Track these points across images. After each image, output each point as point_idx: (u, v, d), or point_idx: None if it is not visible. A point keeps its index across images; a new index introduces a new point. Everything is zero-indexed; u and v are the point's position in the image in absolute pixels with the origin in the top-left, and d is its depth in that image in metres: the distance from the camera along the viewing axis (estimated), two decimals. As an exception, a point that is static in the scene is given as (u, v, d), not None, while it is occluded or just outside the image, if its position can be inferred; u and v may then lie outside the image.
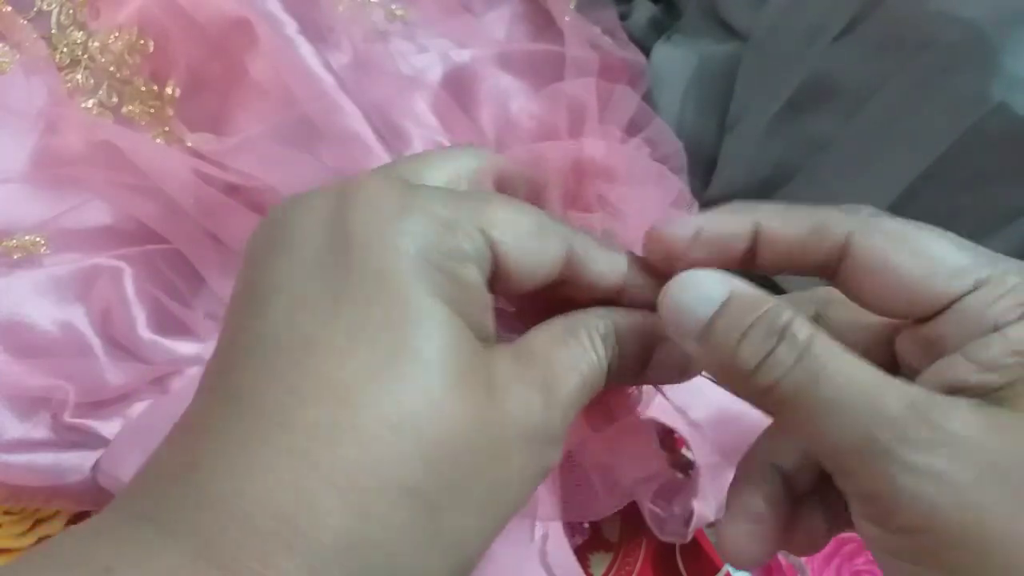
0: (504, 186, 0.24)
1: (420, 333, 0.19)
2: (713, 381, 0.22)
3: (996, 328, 0.20)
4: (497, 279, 0.21)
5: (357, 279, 0.19)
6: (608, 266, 0.23)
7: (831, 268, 0.22)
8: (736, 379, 0.21)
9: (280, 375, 0.18)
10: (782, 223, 0.22)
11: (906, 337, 0.22)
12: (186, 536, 0.17)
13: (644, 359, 0.24)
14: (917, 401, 0.19)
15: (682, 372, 0.24)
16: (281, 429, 0.18)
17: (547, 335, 0.22)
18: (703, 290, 0.21)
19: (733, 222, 0.22)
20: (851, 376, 0.20)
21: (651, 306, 0.23)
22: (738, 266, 0.23)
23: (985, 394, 0.20)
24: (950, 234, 0.22)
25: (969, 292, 0.20)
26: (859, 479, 0.20)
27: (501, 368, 0.20)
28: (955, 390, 0.20)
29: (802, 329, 0.20)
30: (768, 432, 0.25)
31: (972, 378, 0.20)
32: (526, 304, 0.25)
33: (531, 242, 0.21)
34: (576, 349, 0.22)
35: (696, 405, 0.39)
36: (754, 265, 0.23)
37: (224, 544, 0.17)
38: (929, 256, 0.21)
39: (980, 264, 0.21)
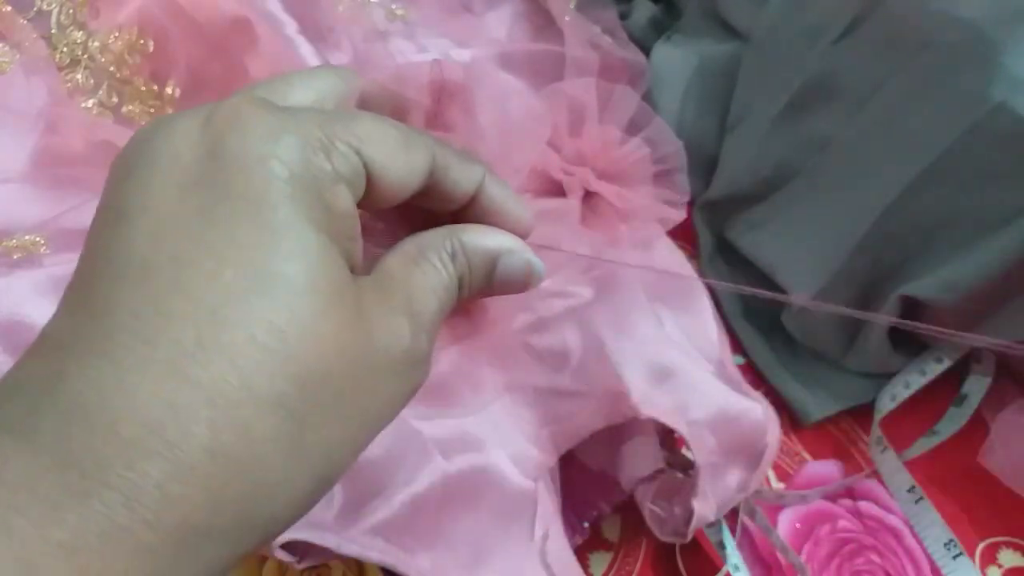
0: (368, 106, 0.26)
1: (289, 256, 0.19)
2: None
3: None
4: (368, 196, 0.22)
5: (228, 201, 0.19)
6: (465, 175, 0.25)
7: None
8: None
9: (148, 294, 0.19)
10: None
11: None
12: (47, 445, 0.17)
13: (490, 272, 0.25)
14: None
15: (525, 283, 0.26)
16: (149, 346, 0.18)
17: (402, 260, 0.23)
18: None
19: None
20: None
21: (503, 215, 0.25)
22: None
23: None
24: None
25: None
26: None
27: (368, 296, 0.21)
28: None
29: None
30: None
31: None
32: (389, 217, 0.26)
33: (400, 155, 0.22)
34: (430, 271, 0.23)
35: (696, 405, 0.39)
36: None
37: (87, 452, 0.17)
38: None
39: None
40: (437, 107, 0.26)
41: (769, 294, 0.30)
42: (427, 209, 0.25)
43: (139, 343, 0.18)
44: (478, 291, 0.25)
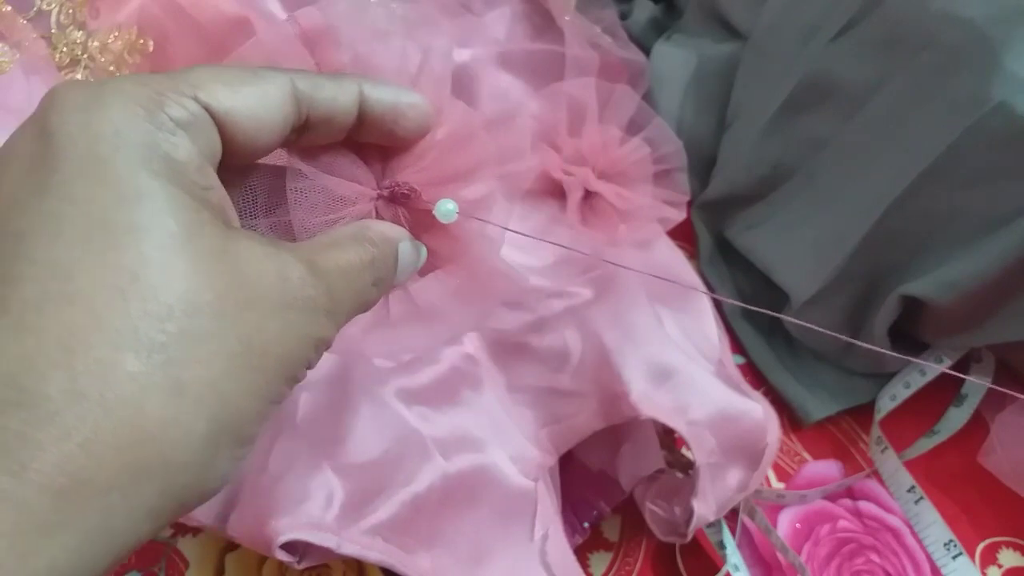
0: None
1: (127, 201, 0.19)
2: None
3: None
4: (231, 141, 0.22)
5: (60, 170, 0.19)
6: (339, 90, 0.24)
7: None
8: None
9: None
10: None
11: None
12: None
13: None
14: None
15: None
16: None
17: (324, 235, 0.24)
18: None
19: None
20: None
21: (399, 115, 0.25)
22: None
23: None
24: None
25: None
26: None
27: (243, 240, 0.21)
28: None
29: None
30: None
31: None
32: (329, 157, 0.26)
33: (246, 90, 0.22)
34: (349, 244, 0.24)
35: (696, 405, 0.39)
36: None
37: None
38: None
39: None
40: (319, 59, 0.26)
41: (763, 310, 0.30)
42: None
43: None
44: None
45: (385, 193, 0.26)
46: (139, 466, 0.18)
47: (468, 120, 0.27)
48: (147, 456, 0.18)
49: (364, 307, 0.25)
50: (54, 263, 0.18)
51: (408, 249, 0.26)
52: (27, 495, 0.17)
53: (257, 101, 0.22)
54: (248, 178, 0.26)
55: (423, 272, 0.28)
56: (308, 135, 0.25)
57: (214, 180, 0.22)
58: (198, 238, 0.20)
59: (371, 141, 0.26)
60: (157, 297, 0.19)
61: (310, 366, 0.23)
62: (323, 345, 0.23)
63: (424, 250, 0.27)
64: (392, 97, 0.25)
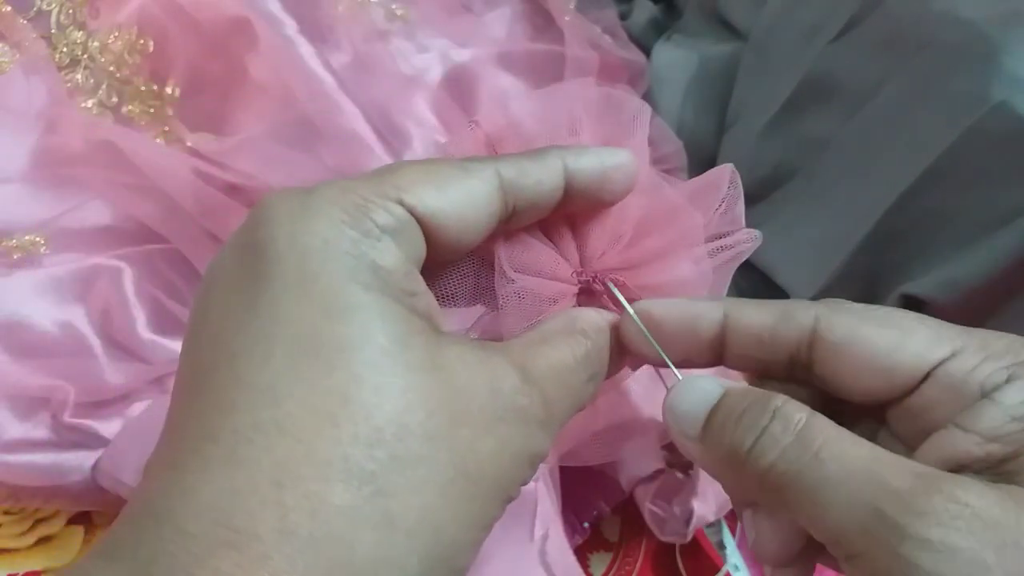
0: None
1: (337, 318, 0.18)
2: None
3: (984, 394, 0.20)
4: (434, 241, 0.21)
5: (268, 288, 0.19)
6: (544, 172, 0.23)
7: (802, 356, 0.22)
8: (736, 469, 0.20)
9: (205, 393, 0.18)
10: (751, 310, 0.22)
11: (895, 414, 0.22)
12: (125, 558, 0.17)
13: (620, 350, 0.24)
14: (924, 473, 0.18)
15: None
16: (209, 440, 0.18)
17: (532, 332, 0.22)
18: (698, 392, 0.22)
19: (702, 307, 0.23)
20: (849, 451, 0.19)
21: (605, 183, 0.23)
22: (707, 357, 0.23)
23: (990, 467, 0.19)
24: (912, 312, 0.22)
25: (947, 359, 0.20)
26: (867, 559, 0.18)
27: (453, 347, 0.20)
28: (959, 464, 0.19)
29: (796, 410, 0.20)
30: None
31: (975, 450, 0.19)
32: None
33: (453, 189, 0.21)
34: (560, 339, 0.22)
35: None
36: (723, 359, 0.23)
37: (160, 556, 0.17)
38: (896, 325, 0.21)
39: (952, 333, 0.21)
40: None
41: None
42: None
43: (200, 441, 0.18)
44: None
45: (589, 286, 0.24)
46: None
47: (668, 192, 0.25)
48: None
49: (579, 407, 0.22)
50: (265, 388, 0.18)
51: (624, 331, 0.24)
52: None
53: (464, 200, 0.21)
54: (448, 270, 0.24)
55: None
56: (513, 221, 0.23)
57: (420, 285, 0.21)
58: (409, 351, 0.19)
59: (572, 211, 0.24)
60: (368, 420, 0.18)
61: (524, 483, 0.20)
62: (538, 459, 0.21)
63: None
64: (597, 163, 0.23)
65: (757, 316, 0.22)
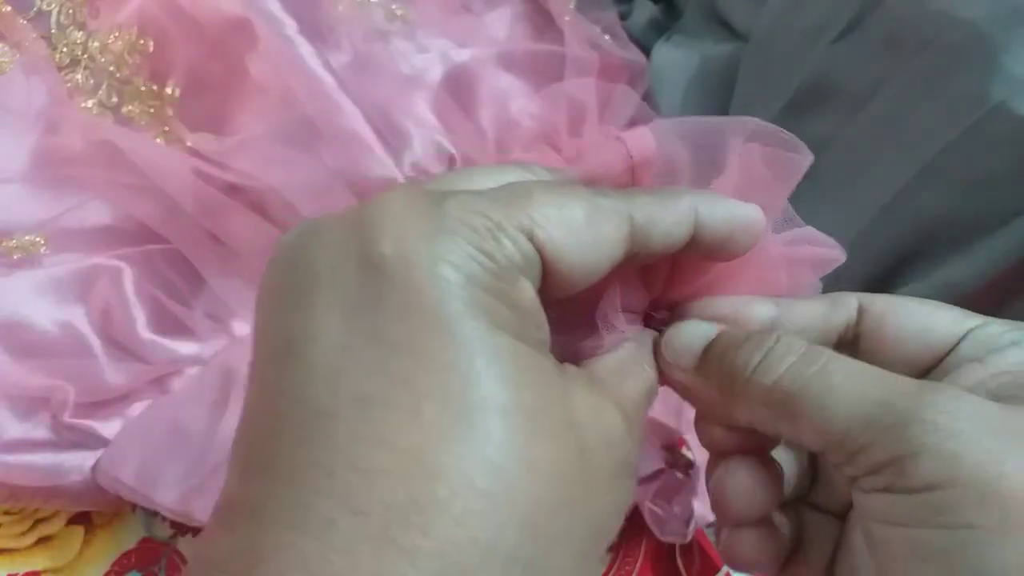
0: None
1: (488, 375, 0.16)
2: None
3: (1014, 343, 0.21)
4: (547, 283, 0.19)
5: (401, 320, 0.16)
6: (674, 221, 0.21)
7: (849, 336, 0.23)
8: (733, 392, 0.21)
9: (336, 446, 0.16)
10: (801, 305, 0.23)
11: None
12: None
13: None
14: (933, 383, 0.19)
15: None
16: (352, 513, 0.15)
17: (612, 359, 0.21)
18: (696, 328, 0.22)
19: (757, 308, 0.23)
20: (854, 364, 0.20)
21: (729, 238, 0.22)
22: None
23: (1001, 396, 0.20)
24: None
25: (980, 325, 0.22)
26: (871, 451, 0.19)
27: (579, 397, 0.18)
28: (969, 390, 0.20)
29: (797, 339, 0.21)
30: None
31: (990, 382, 0.20)
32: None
33: (582, 233, 0.19)
34: (637, 371, 0.21)
35: (696, 405, 0.39)
36: None
37: None
38: (926, 307, 0.23)
39: (970, 314, 0.23)
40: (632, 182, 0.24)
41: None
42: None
43: (343, 511, 0.15)
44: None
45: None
46: None
47: (771, 247, 0.23)
48: None
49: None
50: (416, 455, 0.16)
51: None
52: None
53: (592, 246, 0.19)
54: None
55: None
56: (626, 263, 0.21)
57: (543, 318, 0.19)
58: (552, 415, 0.17)
59: (688, 259, 0.23)
60: (524, 496, 0.16)
61: (611, 539, 0.19)
62: (628, 510, 0.20)
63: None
64: (728, 214, 0.21)
65: (810, 307, 0.23)
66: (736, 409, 0.21)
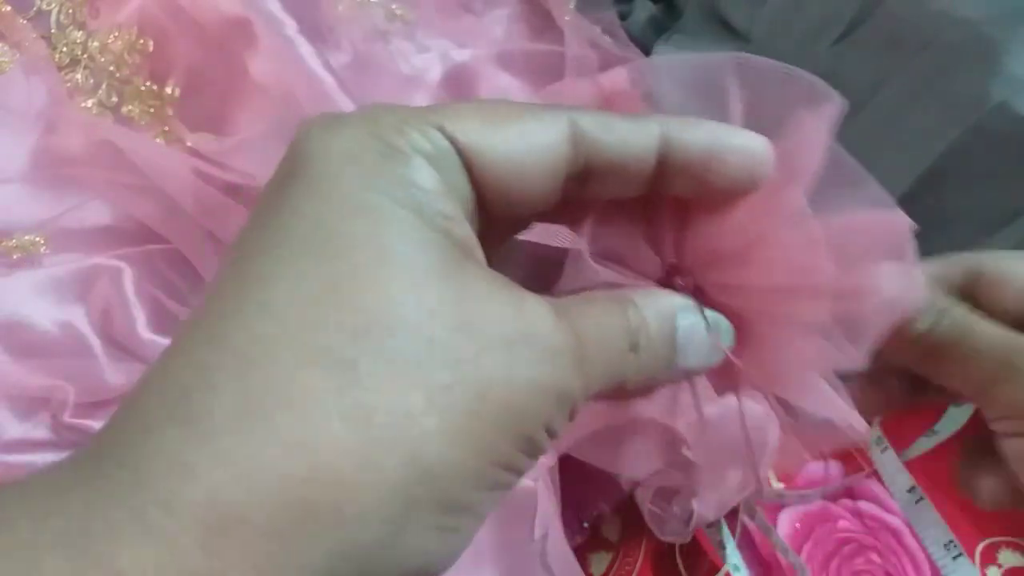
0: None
1: (350, 218, 0.17)
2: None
3: None
4: (485, 192, 0.18)
5: (292, 188, 0.18)
6: (633, 131, 0.19)
7: (969, 288, 0.26)
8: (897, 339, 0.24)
9: (215, 284, 0.17)
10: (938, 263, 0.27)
11: None
12: (78, 455, 0.16)
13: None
14: None
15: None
16: (194, 323, 0.17)
17: (582, 292, 0.20)
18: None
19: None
20: (990, 324, 0.25)
21: (719, 162, 0.19)
22: None
23: None
24: None
25: None
26: (1008, 387, 0.24)
27: (484, 271, 0.18)
28: None
29: (941, 295, 0.26)
30: None
31: None
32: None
33: (509, 128, 0.18)
34: (611, 306, 0.19)
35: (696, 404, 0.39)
36: None
37: (107, 433, 0.16)
38: None
39: None
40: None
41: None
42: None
43: (188, 324, 0.17)
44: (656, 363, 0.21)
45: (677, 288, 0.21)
46: (306, 509, 0.15)
47: (812, 226, 0.20)
48: (316, 497, 0.15)
49: (617, 379, 0.20)
50: (260, 276, 0.17)
51: (695, 325, 0.20)
52: (173, 532, 0.14)
53: (520, 142, 0.18)
54: (511, 254, 0.22)
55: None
56: (591, 188, 0.20)
57: (457, 213, 0.18)
58: (423, 255, 0.17)
59: (674, 194, 0.21)
60: (357, 310, 0.16)
61: (551, 431, 0.18)
62: (568, 400, 0.18)
63: (729, 331, 0.21)
64: (708, 139, 0.20)
65: (931, 268, 0.26)
66: (893, 354, 0.25)
